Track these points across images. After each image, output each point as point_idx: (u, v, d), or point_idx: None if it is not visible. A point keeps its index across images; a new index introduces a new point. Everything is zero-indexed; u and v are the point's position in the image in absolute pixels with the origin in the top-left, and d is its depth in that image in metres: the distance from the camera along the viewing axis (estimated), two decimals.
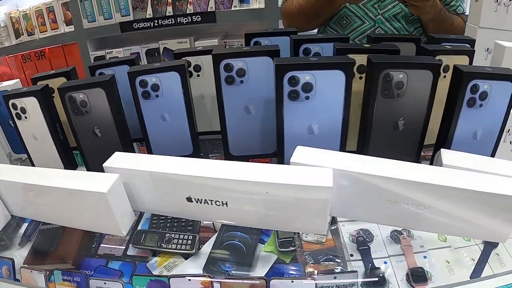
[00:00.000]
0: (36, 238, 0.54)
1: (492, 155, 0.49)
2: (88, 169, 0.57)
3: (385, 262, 0.50)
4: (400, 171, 0.36)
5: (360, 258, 0.50)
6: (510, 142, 0.50)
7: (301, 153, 0.40)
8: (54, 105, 0.56)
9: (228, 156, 0.54)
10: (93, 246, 0.51)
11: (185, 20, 1.22)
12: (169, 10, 1.22)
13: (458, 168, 0.39)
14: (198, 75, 0.58)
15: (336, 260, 0.50)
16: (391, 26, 0.83)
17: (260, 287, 0.43)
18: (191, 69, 0.58)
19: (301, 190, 0.36)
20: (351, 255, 0.51)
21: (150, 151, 0.56)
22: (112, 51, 1.36)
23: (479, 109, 0.44)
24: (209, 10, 1.20)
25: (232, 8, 1.20)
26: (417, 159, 0.48)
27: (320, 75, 0.43)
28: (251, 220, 0.42)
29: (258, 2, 1.17)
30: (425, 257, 0.50)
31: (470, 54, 0.50)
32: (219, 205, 0.40)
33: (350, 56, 0.47)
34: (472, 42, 0.53)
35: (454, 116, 0.45)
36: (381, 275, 0.47)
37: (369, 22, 0.84)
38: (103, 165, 0.41)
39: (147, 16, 1.26)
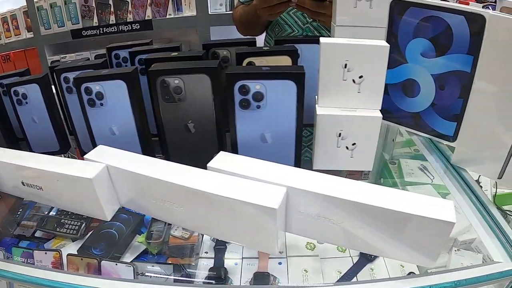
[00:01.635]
0: None
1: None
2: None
3: (236, 264, 0.55)
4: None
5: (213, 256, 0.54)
6: (347, 148, 0.49)
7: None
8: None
9: None
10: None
11: (126, 28, 1.34)
12: (112, 19, 1.34)
13: (221, 172, 0.40)
14: None
15: (192, 256, 0.54)
16: (319, 35, 0.87)
17: (92, 265, 0.55)
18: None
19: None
20: (206, 252, 0.56)
21: None
22: (65, 56, 1.49)
23: (257, 111, 0.44)
24: (146, 18, 1.32)
25: (167, 16, 1.32)
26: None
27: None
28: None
29: (191, 10, 1.28)
30: (280, 263, 0.53)
31: (292, 54, 0.50)
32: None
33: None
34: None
35: (230, 119, 0.45)
36: (222, 275, 0.51)
37: (298, 30, 0.87)
38: None
39: (94, 24, 1.38)
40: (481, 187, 0.58)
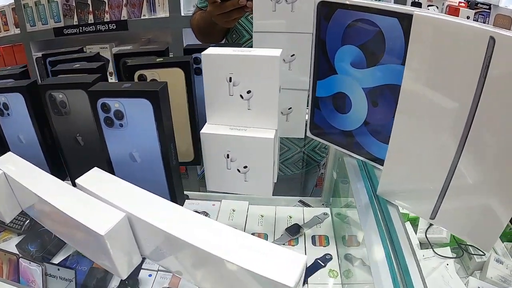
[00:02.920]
0: None
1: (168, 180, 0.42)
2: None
3: (150, 275, 0.57)
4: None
5: None
6: (239, 171, 0.42)
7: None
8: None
9: None
10: None
11: (103, 27, 1.32)
12: (91, 18, 1.33)
13: (84, 190, 0.37)
14: None
15: None
16: None
17: (12, 261, 0.58)
18: None
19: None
20: None
21: None
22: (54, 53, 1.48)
23: (121, 129, 0.41)
24: (122, 18, 1.30)
25: (142, 17, 1.29)
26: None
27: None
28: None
29: (164, 11, 1.25)
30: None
31: (184, 66, 0.46)
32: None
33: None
34: None
35: (99, 136, 0.43)
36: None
37: None
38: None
39: (74, 23, 1.38)
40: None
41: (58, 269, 0.58)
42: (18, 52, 1.57)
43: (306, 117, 0.57)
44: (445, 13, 1.35)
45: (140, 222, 0.34)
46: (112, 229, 0.33)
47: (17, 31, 1.54)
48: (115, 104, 0.40)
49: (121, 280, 0.57)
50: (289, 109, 0.55)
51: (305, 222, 0.67)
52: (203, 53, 0.40)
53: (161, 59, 0.49)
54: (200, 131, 0.43)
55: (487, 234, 0.40)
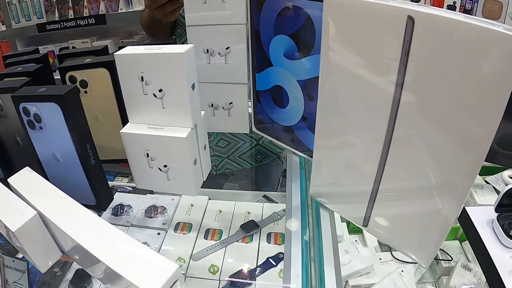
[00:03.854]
0: None
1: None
2: None
3: None
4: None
5: None
6: (160, 169, 0.42)
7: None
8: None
9: None
10: None
11: (83, 22, 1.34)
12: (71, 14, 1.35)
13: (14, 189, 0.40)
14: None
15: None
16: None
17: None
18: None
19: None
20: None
21: None
22: (37, 48, 1.52)
23: (41, 131, 0.42)
24: (100, 13, 1.31)
25: (119, 11, 1.29)
26: None
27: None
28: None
29: (141, 4, 1.25)
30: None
31: (109, 65, 0.46)
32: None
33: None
34: None
35: (27, 138, 0.44)
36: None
37: None
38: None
39: (56, 19, 1.40)
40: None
41: (13, 261, 0.60)
42: (5, 49, 1.62)
43: (250, 111, 0.56)
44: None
45: (48, 221, 0.36)
46: (23, 226, 0.36)
47: (3, 28, 1.58)
48: (32, 108, 0.42)
49: (76, 271, 0.58)
50: (230, 103, 0.54)
51: (263, 218, 0.67)
52: (115, 53, 0.40)
53: (90, 59, 0.50)
54: (120, 131, 0.43)
55: (425, 246, 0.38)
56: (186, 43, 0.41)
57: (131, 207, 0.70)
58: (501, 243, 0.48)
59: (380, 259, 0.61)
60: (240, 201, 0.73)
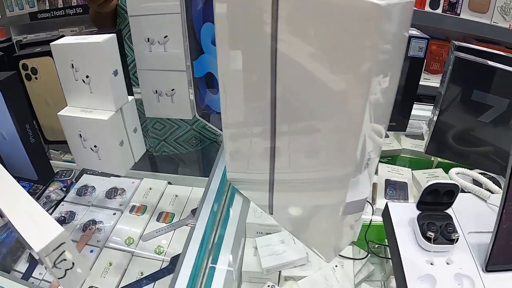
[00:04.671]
0: None
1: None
2: None
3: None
4: None
5: None
6: (92, 149, 0.48)
7: None
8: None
9: None
10: None
11: (72, 11, 1.42)
12: (60, 3, 1.43)
13: None
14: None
15: None
16: None
17: None
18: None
19: None
20: None
21: None
22: (27, 37, 1.62)
23: None
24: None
25: None
26: None
27: None
28: None
29: None
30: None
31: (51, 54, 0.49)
32: None
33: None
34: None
35: None
36: None
37: None
38: None
39: (46, 8, 1.48)
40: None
41: None
42: (0, 36, 1.73)
43: (192, 98, 0.61)
44: None
45: None
46: None
47: None
48: None
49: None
50: (172, 90, 0.60)
51: None
52: (50, 43, 0.47)
53: (39, 48, 0.56)
54: (57, 113, 0.49)
55: (323, 240, 0.39)
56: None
57: (94, 188, 0.78)
58: (419, 244, 0.45)
59: None
60: (198, 187, 0.79)
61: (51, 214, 0.71)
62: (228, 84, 0.41)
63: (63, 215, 0.71)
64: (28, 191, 0.78)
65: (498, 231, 0.42)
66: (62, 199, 0.75)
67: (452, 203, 0.47)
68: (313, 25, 0.28)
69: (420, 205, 0.47)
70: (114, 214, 0.70)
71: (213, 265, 0.41)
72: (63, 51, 0.46)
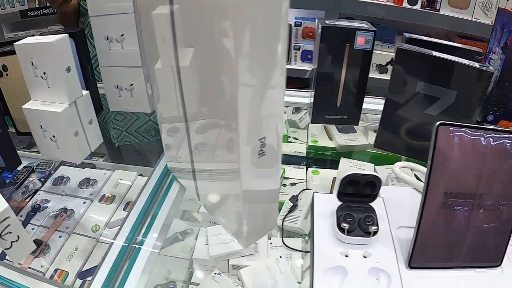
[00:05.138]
0: None
1: None
2: None
3: (32, 229, 0.70)
4: None
5: None
6: (51, 139, 0.55)
7: None
8: None
9: None
10: None
11: None
12: None
13: None
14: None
15: None
16: None
17: None
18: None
19: None
20: None
21: None
22: (18, 34, 1.70)
23: None
24: None
25: None
26: None
27: None
28: None
29: None
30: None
31: None
32: None
33: None
34: None
35: None
36: None
37: None
38: None
39: (36, 6, 1.56)
40: None
41: None
42: None
43: (150, 92, 0.67)
44: None
45: None
46: None
47: None
48: None
49: None
50: (131, 85, 0.66)
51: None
52: (15, 44, 0.53)
53: (9, 47, 0.62)
54: (22, 107, 0.56)
55: (236, 227, 0.41)
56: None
57: (69, 178, 0.84)
58: (336, 236, 0.45)
59: (271, 243, 0.61)
60: None
61: (28, 202, 0.78)
62: (154, 86, 0.47)
63: (38, 203, 0.78)
64: (10, 182, 0.85)
65: (419, 227, 0.41)
66: (39, 189, 0.82)
67: (375, 195, 0.46)
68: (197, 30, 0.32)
69: (340, 196, 0.46)
70: (84, 203, 0.77)
71: (139, 246, 0.47)
72: (24, 50, 0.52)
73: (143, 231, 0.50)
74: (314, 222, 0.48)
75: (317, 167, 0.78)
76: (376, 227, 0.44)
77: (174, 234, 0.67)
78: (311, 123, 0.75)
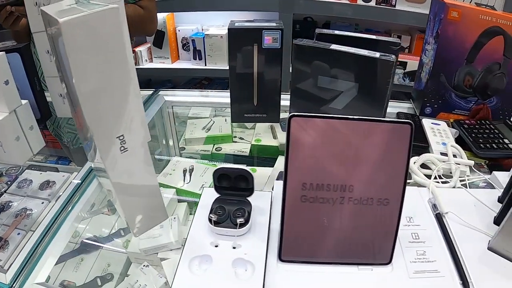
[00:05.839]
0: None
1: None
2: None
3: None
4: None
5: None
6: None
7: None
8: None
9: None
10: None
11: None
12: None
13: None
14: None
15: None
16: None
17: None
18: None
19: None
20: None
21: None
22: (6, 43, 1.81)
23: None
24: None
25: None
26: None
27: None
28: None
29: None
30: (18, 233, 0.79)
31: None
32: None
33: None
34: None
35: None
36: None
37: None
38: None
39: None
40: None
41: None
42: None
43: None
44: None
45: None
46: None
47: None
48: None
49: None
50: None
51: None
52: None
53: None
54: None
55: (125, 216, 0.47)
56: None
57: (32, 181, 0.93)
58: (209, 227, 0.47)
59: None
60: None
61: None
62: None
63: (2, 204, 0.87)
64: None
65: (283, 221, 0.42)
66: (5, 191, 0.92)
67: (251, 189, 0.48)
68: None
69: (217, 189, 0.49)
70: (43, 203, 0.86)
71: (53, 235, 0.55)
72: None
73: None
74: (195, 214, 0.51)
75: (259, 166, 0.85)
76: (242, 219, 0.46)
77: (117, 230, 0.76)
78: (232, 122, 0.80)
